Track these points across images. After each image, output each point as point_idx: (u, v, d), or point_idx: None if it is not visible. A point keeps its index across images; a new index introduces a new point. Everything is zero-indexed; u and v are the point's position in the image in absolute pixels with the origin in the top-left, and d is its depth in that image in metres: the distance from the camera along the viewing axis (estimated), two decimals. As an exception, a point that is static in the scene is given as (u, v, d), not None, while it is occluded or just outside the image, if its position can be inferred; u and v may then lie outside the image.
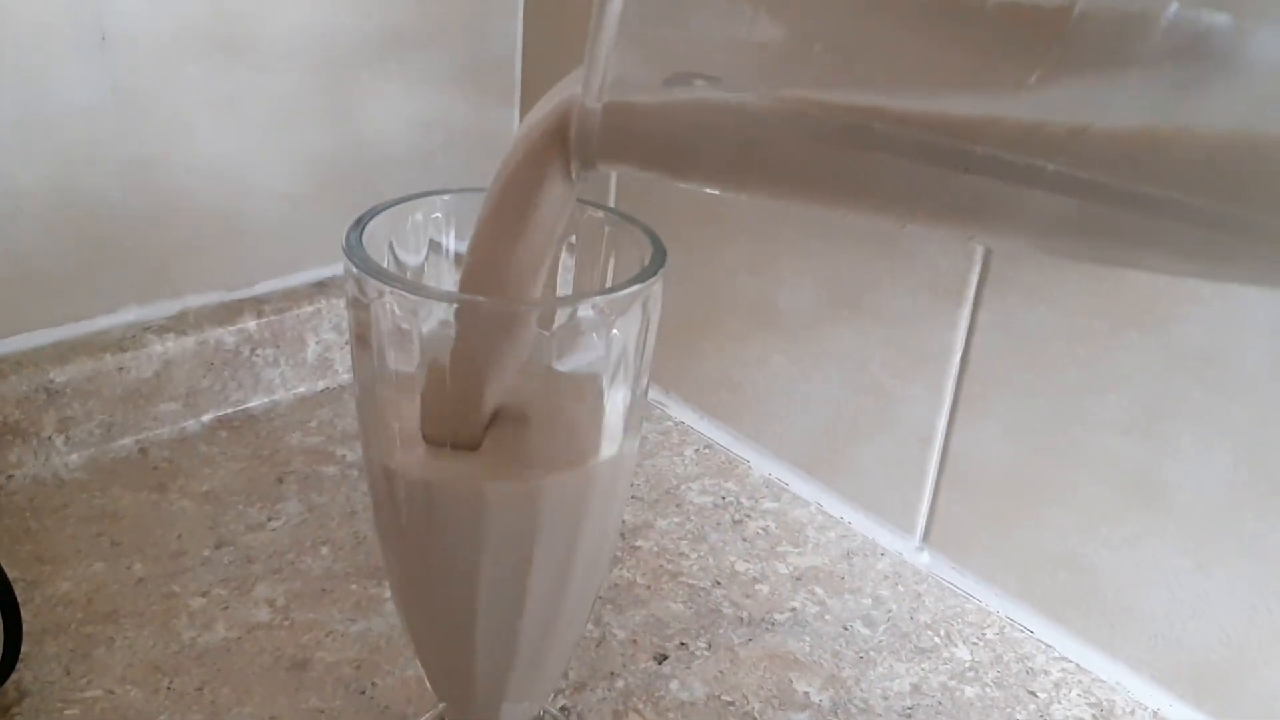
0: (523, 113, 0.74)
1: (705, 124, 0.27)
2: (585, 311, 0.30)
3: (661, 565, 0.55)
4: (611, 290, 0.31)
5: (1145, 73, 0.25)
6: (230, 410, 0.64)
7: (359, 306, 0.31)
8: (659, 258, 0.32)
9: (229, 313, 0.63)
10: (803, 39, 0.26)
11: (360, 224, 0.33)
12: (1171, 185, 0.26)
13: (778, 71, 0.26)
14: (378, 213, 0.33)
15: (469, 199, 0.36)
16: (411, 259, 0.35)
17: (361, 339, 0.32)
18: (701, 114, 0.27)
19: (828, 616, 0.52)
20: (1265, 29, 0.25)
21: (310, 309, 0.65)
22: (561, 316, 0.29)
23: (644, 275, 0.31)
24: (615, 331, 0.31)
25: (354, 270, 0.31)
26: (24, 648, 0.45)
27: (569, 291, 0.36)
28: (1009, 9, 0.25)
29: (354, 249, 0.31)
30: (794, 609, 0.53)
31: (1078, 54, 0.24)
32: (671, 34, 0.26)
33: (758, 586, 0.54)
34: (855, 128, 0.26)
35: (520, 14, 0.71)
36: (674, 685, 0.48)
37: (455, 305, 0.29)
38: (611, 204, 0.67)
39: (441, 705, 0.40)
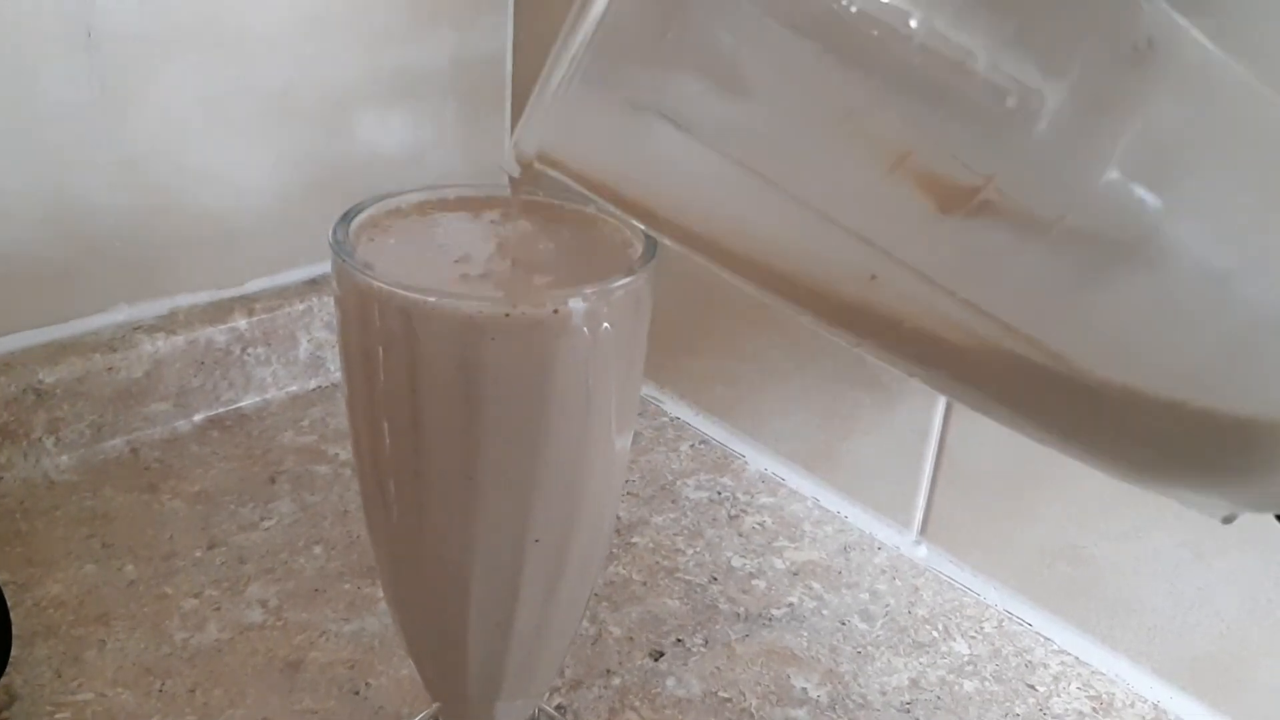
0: (513, 110, 0.73)
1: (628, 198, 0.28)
2: (576, 304, 0.29)
3: (657, 562, 0.55)
4: (602, 283, 0.30)
5: (1060, 241, 0.25)
6: (222, 410, 0.63)
7: (346, 301, 0.31)
8: (650, 250, 0.32)
9: (219, 311, 0.63)
10: (768, 117, 0.26)
11: (347, 218, 0.32)
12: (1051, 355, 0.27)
13: (734, 139, 0.26)
14: (364, 208, 0.33)
15: (454, 193, 0.35)
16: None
17: (348, 334, 0.31)
18: (622, 190, 0.28)
19: (825, 611, 0.52)
20: (1187, 225, 0.25)
21: (301, 307, 0.65)
22: (552, 309, 0.29)
23: (634, 268, 0.31)
24: (606, 325, 0.30)
25: (340, 264, 0.30)
26: (14, 651, 0.45)
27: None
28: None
29: (340, 244, 0.31)
30: (791, 604, 0.52)
31: (998, 208, 0.25)
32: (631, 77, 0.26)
33: (754, 582, 0.54)
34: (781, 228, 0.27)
35: (510, 11, 0.71)
36: (670, 682, 0.47)
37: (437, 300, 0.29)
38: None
39: (436, 705, 0.40)
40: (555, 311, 0.29)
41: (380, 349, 0.30)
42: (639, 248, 0.33)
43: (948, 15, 0.24)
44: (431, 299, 0.29)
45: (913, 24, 0.24)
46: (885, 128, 0.25)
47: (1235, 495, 0.31)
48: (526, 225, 0.35)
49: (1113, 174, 0.24)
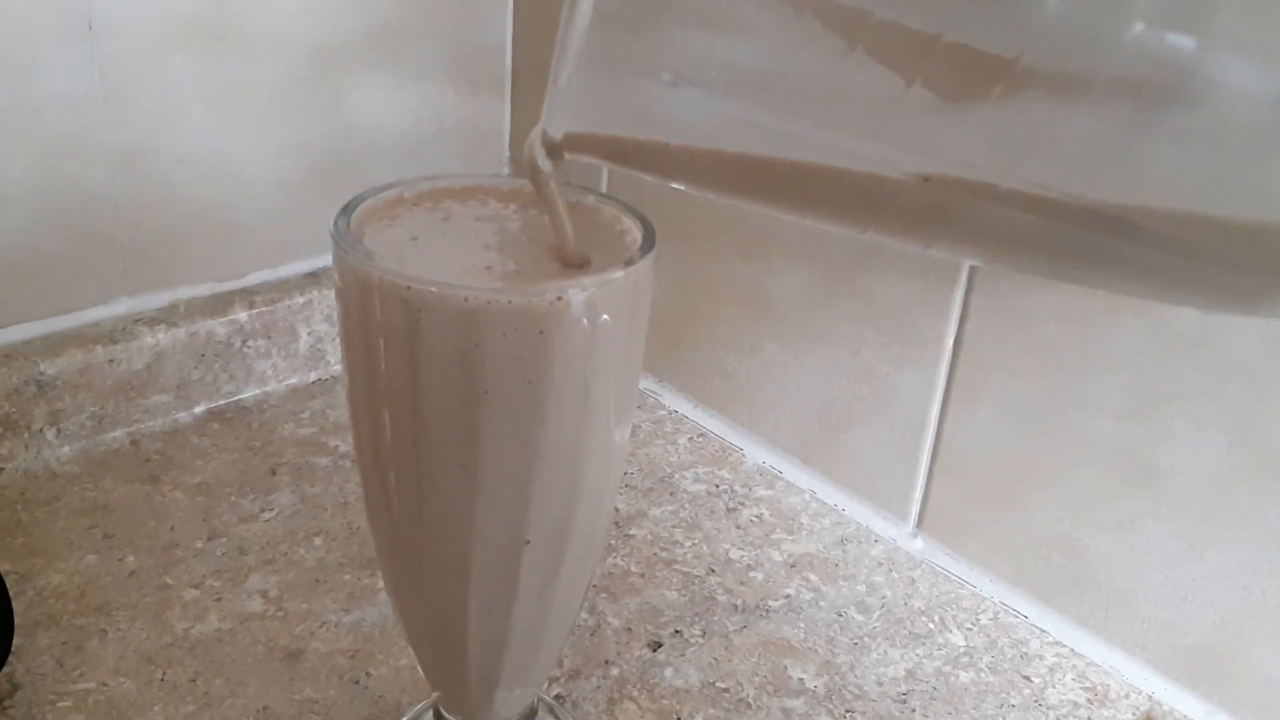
0: (513, 102, 0.74)
1: (661, 156, 0.28)
2: (576, 295, 0.30)
3: (656, 553, 0.55)
4: (601, 274, 0.30)
5: (1103, 98, 0.25)
6: (222, 402, 0.64)
7: (346, 292, 0.31)
8: (649, 241, 0.32)
9: (220, 304, 0.63)
10: (775, 58, 0.26)
11: (348, 210, 0.32)
12: (1122, 214, 0.26)
13: (747, 87, 0.26)
14: (365, 199, 0.33)
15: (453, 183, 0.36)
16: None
17: (349, 325, 0.32)
18: (654, 152, 0.28)
19: (822, 603, 0.52)
20: (1228, 58, 0.25)
21: (302, 299, 0.65)
22: (551, 300, 0.29)
23: (633, 259, 0.31)
24: (605, 316, 0.30)
25: (341, 255, 0.30)
26: (16, 641, 0.45)
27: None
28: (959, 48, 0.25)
29: (341, 234, 0.31)
30: (788, 596, 0.53)
31: (1034, 80, 0.25)
32: (640, 50, 0.26)
33: (752, 574, 0.54)
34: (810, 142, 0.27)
35: (510, 3, 0.71)
36: (669, 673, 0.48)
37: (438, 290, 0.29)
38: (604, 189, 0.67)
39: (435, 694, 0.40)
40: (555, 301, 0.29)
41: (381, 339, 0.31)
42: (638, 238, 0.33)
43: None
44: (433, 289, 0.29)
45: None
46: (910, 21, 0.25)
47: None
48: (526, 215, 0.35)
49: (1140, 28, 0.24)
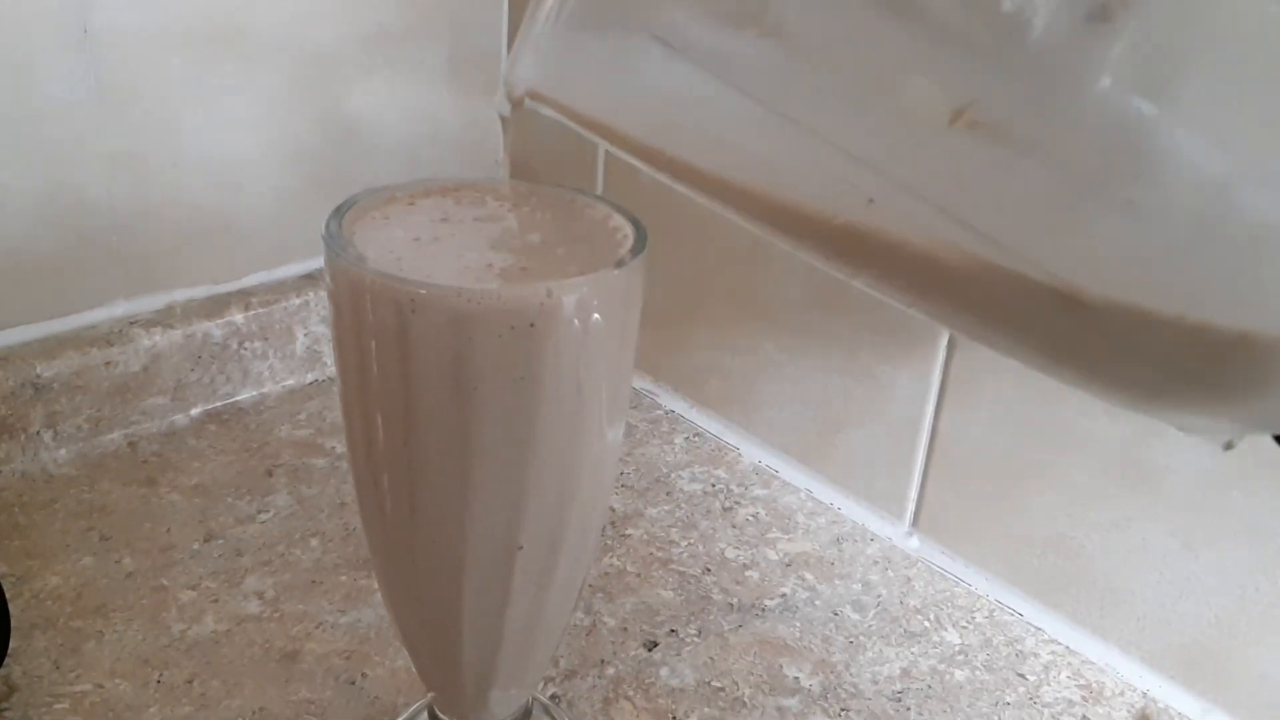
0: (509, 103, 0.74)
1: (610, 134, 0.28)
2: (567, 295, 0.30)
3: (651, 553, 0.55)
4: (593, 273, 0.31)
5: (1055, 153, 0.25)
6: (219, 403, 0.64)
7: (339, 294, 0.31)
8: (641, 241, 0.32)
9: (216, 306, 0.63)
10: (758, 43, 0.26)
11: (340, 212, 0.33)
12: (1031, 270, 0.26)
13: (723, 63, 0.26)
14: (357, 201, 0.33)
15: (446, 184, 0.36)
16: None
17: (342, 327, 0.32)
18: (605, 129, 0.28)
19: (818, 602, 0.52)
20: (1184, 131, 0.25)
21: (298, 301, 0.65)
22: (542, 300, 0.29)
23: (624, 259, 0.31)
24: (596, 315, 0.31)
25: (333, 257, 0.30)
26: (13, 643, 0.45)
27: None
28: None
29: (333, 237, 0.31)
30: (784, 595, 0.53)
31: (991, 125, 0.25)
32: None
33: (748, 573, 0.54)
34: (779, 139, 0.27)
35: (505, 6, 0.71)
36: (664, 672, 0.48)
37: (428, 291, 0.29)
38: (599, 190, 0.67)
39: (430, 695, 0.40)
40: (546, 300, 0.29)
41: (373, 341, 0.31)
42: (631, 238, 0.33)
43: None
44: (423, 290, 0.29)
45: None
46: (878, 46, 0.25)
47: (1235, 414, 0.29)
48: (519, 214, 0.35)
49: (1106, 83, 0.24)
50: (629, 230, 0.33)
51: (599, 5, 0.25)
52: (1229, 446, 0.30)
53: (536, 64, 0.27)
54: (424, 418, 0.31)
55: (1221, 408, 0.29)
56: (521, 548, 0.33)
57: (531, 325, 0.29)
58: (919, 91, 0.25)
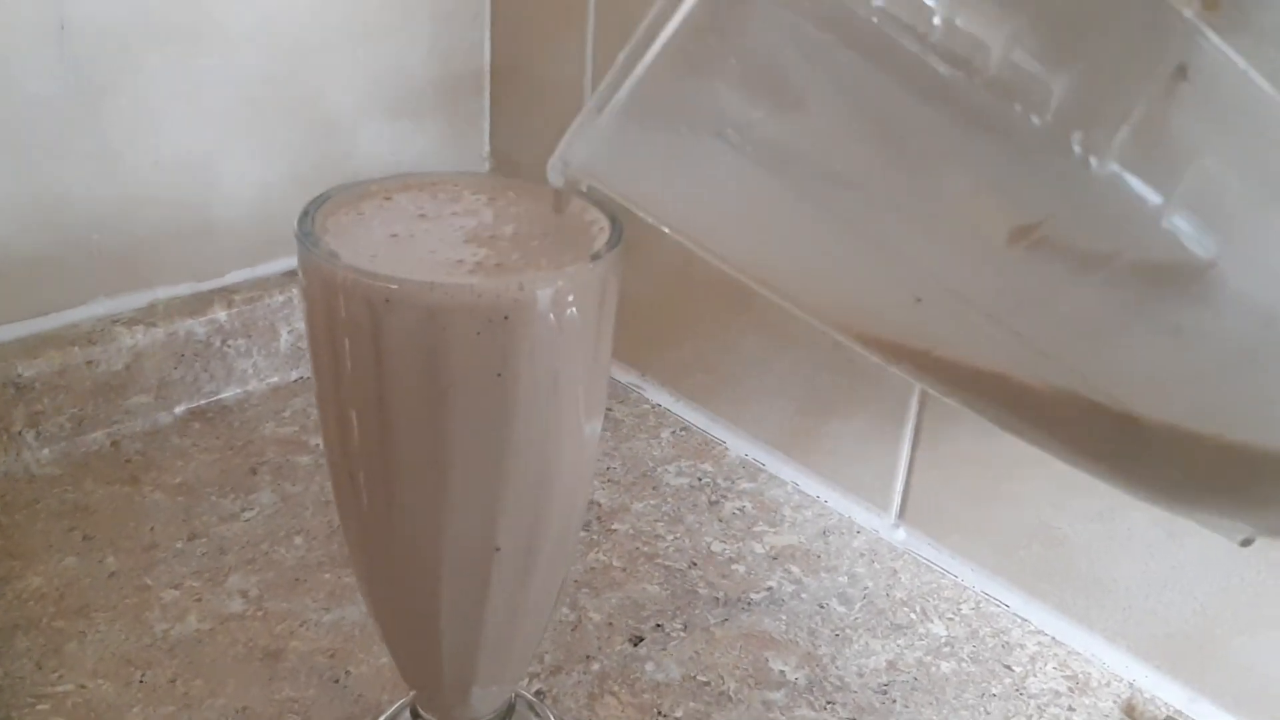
0: (492, 98, 0.73)
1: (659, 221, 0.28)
2: (541, 289, 0.29)
3: (637, 548, 0.55)
4: (567, 267, 0.30)
5: (1114, 277, 0.25)
6: (203, 401, 0.63)
7: (311, 291, 0.31)
8: (616, 235, 0.32)
9: (199, 303, 0.63)
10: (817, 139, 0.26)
11: (313, 208, 0.32)
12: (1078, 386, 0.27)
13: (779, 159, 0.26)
14: (330, 196, 0.33)
15: (421, 179, 0.36)
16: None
17: (315, 324, 0.31)
18: (665, 209, 0.28)
19: (804, 595, 0.52)
20: (1241, 264, 0.25)
21: (281, 298, 0.65)
22: (515, 293, 0.29)
23: (600, 252, 0.31)
24: (571, 309, 0.30)
25: (305, 254, 0.30)
26: (-7, 643, 0.45)
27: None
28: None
29: (305, 234, 0.31)
30: (770, 588, 0.53)
31: (1053, 244, 0.25)
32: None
33: (734, 566, 0.54)
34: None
35: (488, 1, 0.71)
36: (649, 667, 0.47)
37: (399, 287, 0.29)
38: (584, 188, 0.67)
39: (412, 692, 0.40)
40: (519, 295, 0.29)
41: (346, 338, 0.30)
42: (607, 231, 0.33)
43: (1016, 57, 0.24)
44: (394, 285, 0.29)
45: (983, 64, 0.24)
46: (947, 163, 0.25)
47: (1257, 521, 0.31)
48: (496, 209, 0.35)
49: (1169, 212, 0.24)
50: (606, 224, 0.33)
51: (654, 99, 0.25)
52: (1246, 543, 0.31)
53: (588, 149, 0.27)
54: (399, 413, 0.31)
55: (1246, 515, 0.30)
56: (499, 549, 0.33)
57: (505, 318, 0.29)
58: (985, 206, 0.25)
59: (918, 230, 0.26)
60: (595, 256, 0.31)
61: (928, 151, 0.25)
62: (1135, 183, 0.24)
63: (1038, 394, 0.28)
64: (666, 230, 0.29)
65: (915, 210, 0.26)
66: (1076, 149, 0.24)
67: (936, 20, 0.23)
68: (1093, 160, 0.24)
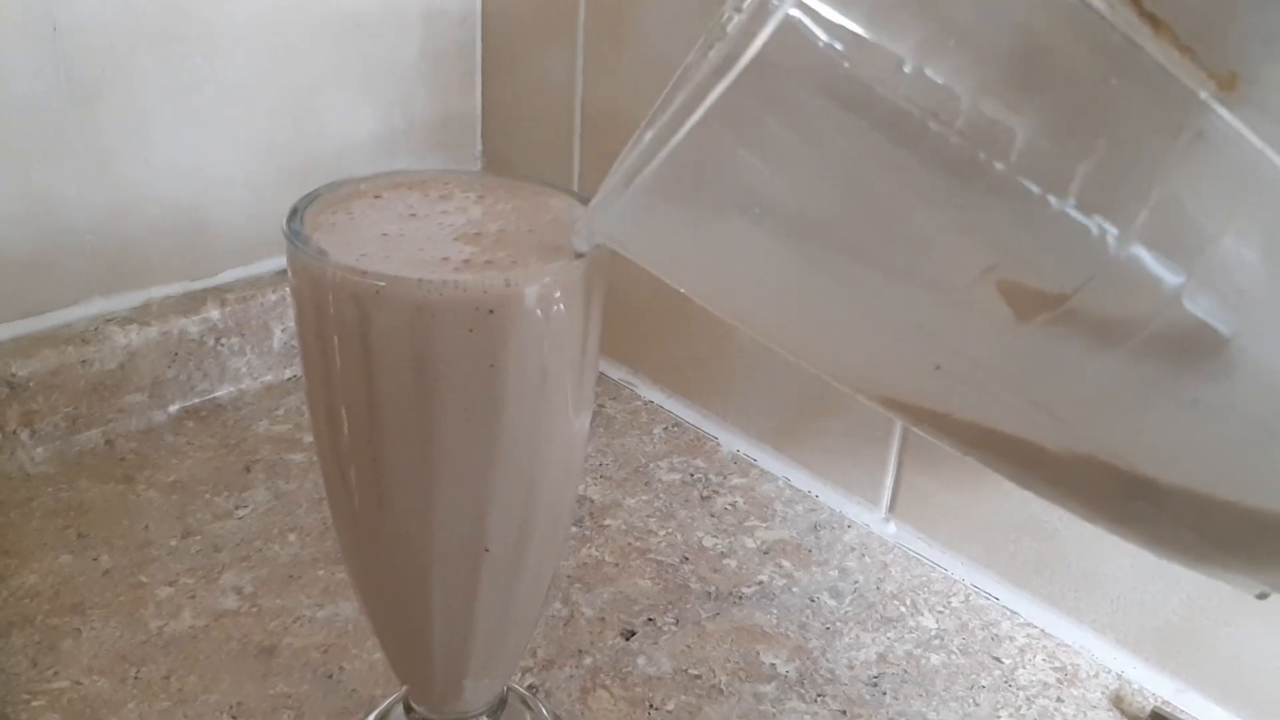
0: (484, 96, 0.74)
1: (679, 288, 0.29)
2: (528, 285, 0.30)
3: (630, 543, 0.55)
4: (555, 263, 0.31)
5: (1137, 350, 0.25)
6: (197, 400, 0.64)
7: (300, 289, 0.31)
8: (602, 233, 0.32)
9: (192, 302, 0.63)
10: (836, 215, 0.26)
11: (302, 207, 0.33)
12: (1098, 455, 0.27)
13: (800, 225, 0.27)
14: (319, 195, 0.33)
15: (410, 177, 0.36)
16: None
17: (304, 322, 0.32)
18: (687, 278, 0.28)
19: (795, 589, 0.53)
20: (1261, 339, 0.25)
21: (275, 297, 0.65)
22: (501, 290, 0.29)
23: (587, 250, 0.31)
24: (559, 305, 0.31)
25: (294, 252, 0.31)
26: (-11, 641, 0.45)
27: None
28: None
29: (294, 232, 0.31)
30: (761, 582, 0.53)
31: (1078, 317, 0.25)
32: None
33: (725, 561, 0.54)
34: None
35: (479, -4, 0.71)
36: (641, 661, 0.48)
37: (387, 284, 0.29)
38: (575, 180, 0.67)
39: (405, 687, 0.40)
40: (506, 291, 0.29)
41: (335, 335, 0.31)
42: (593, 230, 0.33)
43: (1042, 140, 0.24)
44: (382, 283, 0.29)
45: (1005, 147, 0.24)
46: (967, 239, 0.25)
47: (1275, 579, 0.31)
48: (485, 206, 0.35)
49: (1188, 290, 0.25)
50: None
51: (678, 178, 0.25)
52: (1263, 596, 0.32)
53: (613, 221, 0.28)
54: (388, 410, 0.31)
55: (1261, 573, 0.30)
56: (488, 548, 0.33)
57: (492, 314, 0.29)
58: (1004, 282, 0.26)
59: (937, 303, 0.26)
60: (581, 254, 0.31)
61: (948, 228, 0.26)
62: (1155, 261, 0.25)
63: (1055, 457, 0.28)
64: (689, 295, 0.29)
65: (935, 284, 0.26)
66: (1095, 231, 0.24)
67: (961, 106, 0.24)
68: (1112, 241, 0.24)
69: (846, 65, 0.24)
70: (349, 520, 0.35)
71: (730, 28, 0.25)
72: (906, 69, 0.23)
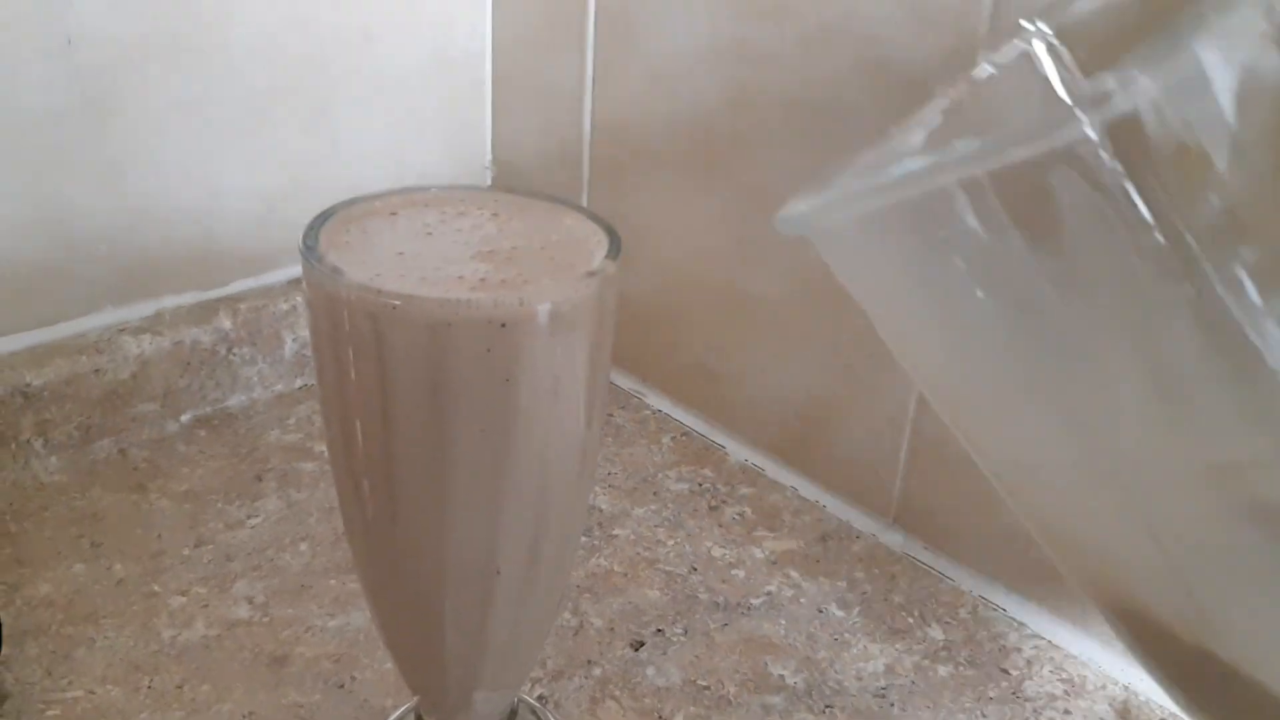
0: (494, 105, 0.74)
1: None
2: (541, 302, 0.30)
3: (638, 553, 0.55)
4: (567, 280, 0.31)
5: None
6: (209, 409, 0.64)
7: (315, 305, 0.32)
8: (614, 247, 0.33)
9: (205, 312, 0.63)
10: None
11: (318, 223, 0.33)
12: None
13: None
14: (335, 212, 0.34)
15: (425, 194, 0.36)
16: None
17: (319, 337, 0.32)
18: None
19: (803, 600, 0.53)
20: None
21: (286, 306, 0.65)
22: (515, 308, 0.30)
23: (598, 267, 0.32)
24: (571, 322, 0.31)
25: (309, 269, 0.31)
26: (4, 650, 0.46)
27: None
28: None
29: (310, 249, 0.31)
30: (770, 593, 0.53)
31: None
32: None
33: (734, 571, 0.55)
34: None
35: (489, 8, 0.72)
36: (650, 671, 0.48)
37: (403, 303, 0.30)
38: (584, 196, 0.68)
39: (416, 698, 0.41)
40: (519, 310, 0.30)
41: (350, 350, 0.31)
42: (605, 245, 0.33)
43: None
44: (397, 301, 0.29)
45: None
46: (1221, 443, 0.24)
47: None
48: (499, 224, 0.35)
49: None
50: (604, 238, 0.34)
51: (924, 216, 0.24)
52: None
53: (841, 224, 0.27)
54: (402, 425, 0.31)
55: None
56: (499, 572, 0.34)
57: (506, 330, 0.30)
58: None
59: (1166, 486, 0.25)
60: (593, 271, 0.31)
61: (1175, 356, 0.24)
62: None
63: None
64: (871, 315, 0.28)
65: (1164, 464, 0.25)
66: None
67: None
68: None
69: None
70: (362, 530, 0.35)
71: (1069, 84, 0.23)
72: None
